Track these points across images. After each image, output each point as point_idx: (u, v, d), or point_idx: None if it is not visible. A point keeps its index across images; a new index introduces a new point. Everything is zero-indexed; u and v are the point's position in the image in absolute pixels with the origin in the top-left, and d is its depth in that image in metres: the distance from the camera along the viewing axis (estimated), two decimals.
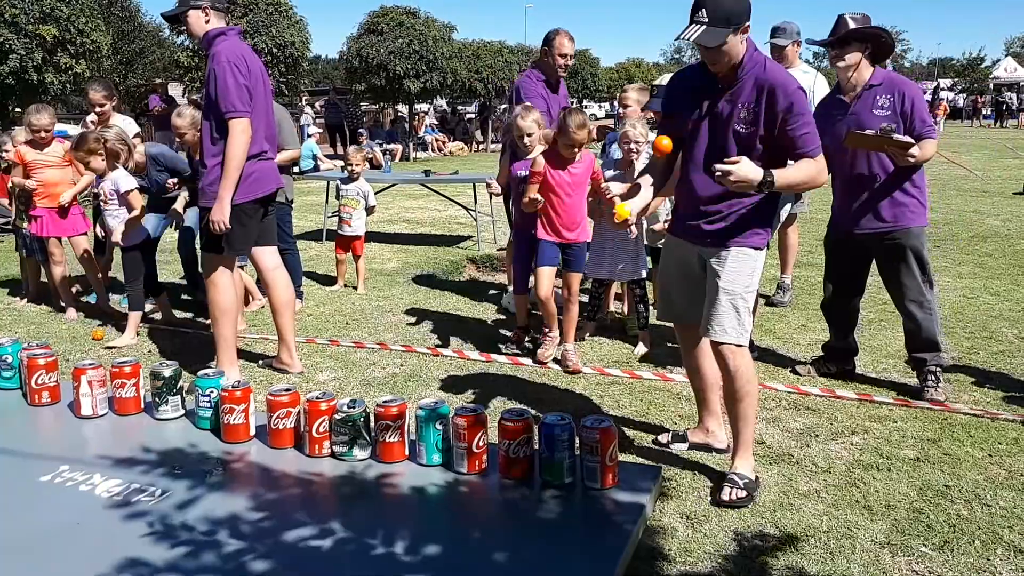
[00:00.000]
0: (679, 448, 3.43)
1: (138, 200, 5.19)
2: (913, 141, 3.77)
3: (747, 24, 2.85)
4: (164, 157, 5.64)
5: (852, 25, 3.90)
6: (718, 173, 2.78)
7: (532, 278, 4.81)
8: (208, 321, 5.48)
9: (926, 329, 4.01)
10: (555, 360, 4.60)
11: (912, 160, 3.80)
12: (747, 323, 3.04)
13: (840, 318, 4.32)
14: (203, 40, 4.10)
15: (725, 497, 2.94)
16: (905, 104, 3.85)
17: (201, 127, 4.16)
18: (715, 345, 3.05)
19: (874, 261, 4.14)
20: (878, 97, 3.91)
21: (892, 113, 3.85)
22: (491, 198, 9.04)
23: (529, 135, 4.56)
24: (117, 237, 5.21)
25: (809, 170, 2.89)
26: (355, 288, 6.46)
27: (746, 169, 2.76)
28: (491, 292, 6.44)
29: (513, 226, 5.07)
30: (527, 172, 4.52)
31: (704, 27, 2.78)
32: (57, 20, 11.60)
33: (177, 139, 5.40)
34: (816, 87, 5.39)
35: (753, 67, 2.91)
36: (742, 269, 3.02)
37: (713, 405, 3.42)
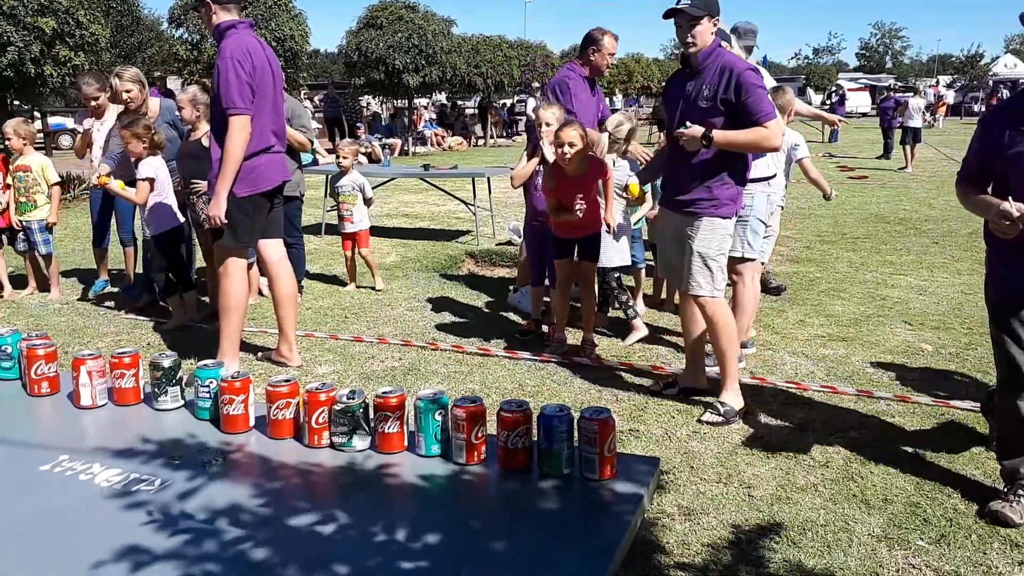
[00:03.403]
0: (670, 393, 3.95)
1: (145, 191, 5.11)
2: None
3: (717, 18, 3.58)
4: (171, 111, 5.68)
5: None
6: (680, 134, 3.54)
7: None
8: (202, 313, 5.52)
9: None
10: (573, 348, 4.69)
11: None
12: (720, 279, 3.70)
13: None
14: (214, 32, 4.12)
15: (704, 419, 3.64)
16: None
17: (210, 121, 4.22)
18: (694, 298, 3.74)
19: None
20: None
21: None
22: (490, 193, 9.10)
23: (548, 124, 4.59)
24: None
25: (755, 134, 3.50)
26: (373, 288, 6.27)
27: (693, 130, 3.51)
28: (489, 286, 6.44)
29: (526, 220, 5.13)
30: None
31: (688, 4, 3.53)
32: (56, 12, 11.53)
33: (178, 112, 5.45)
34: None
35: (715, 55, 3.59)
36: (712, 235, 3.65)
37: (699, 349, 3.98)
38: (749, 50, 5.21)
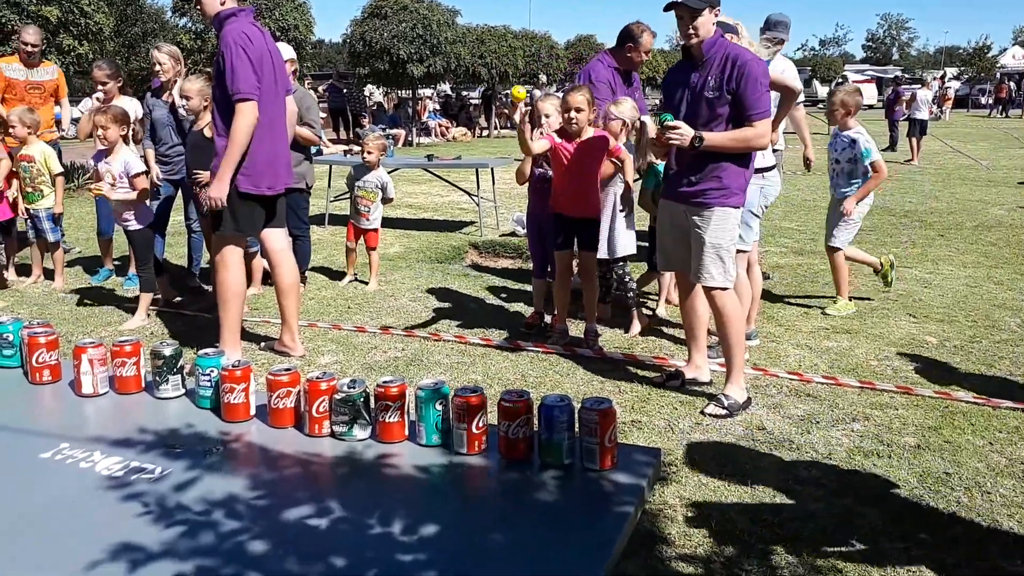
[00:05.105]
0: (673, 384, 3.93)
1: (144, 184, 5.11)
2: None
3: (718, 9, 3.54)
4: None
5: None
6: (671, 131, 3.50)
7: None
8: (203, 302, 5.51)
9: None
10: (575, 339, 4.67)
11: None
12: (731, 270, 3.67)
13: None
14: (214, 21, 4.07)
15: (707, 411, 3.62)
16: None
17: (211, 109, 4.18)
18: (706, 289, 3.71)
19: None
20: None
21: None
22: (494, 184, 9.07)
23: (547, 116, 4.58)
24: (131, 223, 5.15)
25: (741, 135, 3.50)
26: (365, 283, 6.14)
27: (685, 129, 3.49)
28: (493, 278, 6.43)
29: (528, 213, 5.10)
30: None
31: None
32: (60, 1, 11.53)
33: (184, 102, 5.33)
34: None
35: (719, 45, 3.55)
36: (724, 225, 3.61)
37: (701, 342, 4.03)
38: (778, 42, 5.06)
